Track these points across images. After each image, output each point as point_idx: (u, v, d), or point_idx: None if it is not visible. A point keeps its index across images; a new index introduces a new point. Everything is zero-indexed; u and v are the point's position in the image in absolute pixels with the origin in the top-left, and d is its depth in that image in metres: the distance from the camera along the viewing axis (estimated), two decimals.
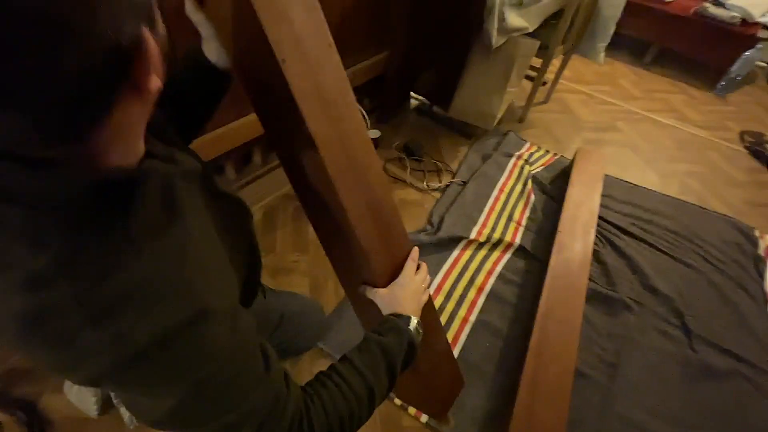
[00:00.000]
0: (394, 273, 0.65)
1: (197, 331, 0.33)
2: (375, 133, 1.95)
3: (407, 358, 0.56)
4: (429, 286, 0.71)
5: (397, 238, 0.65)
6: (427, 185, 1.81)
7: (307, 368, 1.19)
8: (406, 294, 0.63)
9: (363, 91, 1.89)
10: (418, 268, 0.68)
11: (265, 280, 1.41)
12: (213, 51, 0.56)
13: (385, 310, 0.62)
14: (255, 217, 1.60)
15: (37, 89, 0.24)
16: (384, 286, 0.64)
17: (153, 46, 0.30)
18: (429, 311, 0.74)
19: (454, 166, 1.94)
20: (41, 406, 1.10)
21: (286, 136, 0.61)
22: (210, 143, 1.18)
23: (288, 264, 1.44)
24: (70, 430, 1.07)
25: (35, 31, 0.22)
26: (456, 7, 1.62)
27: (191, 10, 0.52)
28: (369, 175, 0.58)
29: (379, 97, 2.02)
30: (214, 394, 0.36)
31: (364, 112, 1.99)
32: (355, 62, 1.66)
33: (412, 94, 2.23)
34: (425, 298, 0.68)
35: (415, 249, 0.69)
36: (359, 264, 0.65)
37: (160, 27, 0.33)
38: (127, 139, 0.34)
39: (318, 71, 0.50)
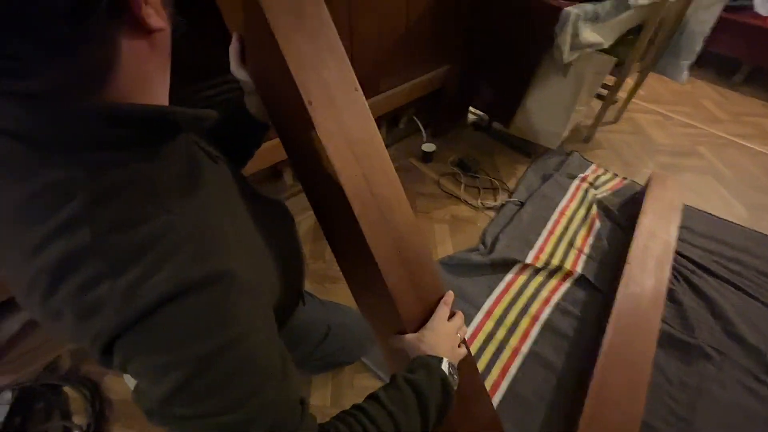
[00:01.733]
0: (424, 318, 0.60)
1: (213, 291, 0.32)
2: (430, 147, 1.93)
3: (443, 402, 0.50)
4: (465, 337, 0.64)
5: (428, 281, 0.60)
6: (482, 203, 1.75)
7: (347, 381, 1.18)
8: (437, 338, 0.57)
9: (420, 105, 1.88)
10: (452, 315, 0.62)
11: (311, 286, 1.42)
12: (254, 104, 0.64)
13: (414, 354, 0.57)
14: (304, 224, 1.63)
15: (32, 8, 0.25)
16: (413, 331, 0.59)
17: None
18: (468, 370, 0.66)
19: (510, 184, 1.86)
20: (103, 386, 1.18)
21: (313, 175, 0.61)
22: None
23: (335, 272, 1.44)
24: (126, 412, 1.13)
25: None
26: (523, 21, 1.57)
27: (236, 69, 0.60)
28: (396, 214, 0.56)
29: (436, 111, 2.00)
30: (222, 377, 0.33)
31: (420, 125, 1.98)
32: (414, 76, 1.66)
33: (470, 108, 2.18)
34: (462, 351, 0.60)
35: (450, 293, 0.62)
36: (387, 308, 0.61)
37: None
38: (147, 89, 0.35)
39: (344, 112, 0.51)
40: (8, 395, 1.11)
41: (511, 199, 1.76)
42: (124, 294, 0.30)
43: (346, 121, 0.51)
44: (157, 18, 0.32)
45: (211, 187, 0.39)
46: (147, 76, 0.34)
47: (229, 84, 1.14)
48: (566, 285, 1.43)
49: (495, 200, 1.77)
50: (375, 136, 0.54)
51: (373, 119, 0.53)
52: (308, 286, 1.40)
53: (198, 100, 1.13)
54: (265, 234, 0.46)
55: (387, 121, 1.88)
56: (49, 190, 0.31)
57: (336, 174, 0.50)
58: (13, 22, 0.25)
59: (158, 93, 0.36)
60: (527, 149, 2.02)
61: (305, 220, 1.64)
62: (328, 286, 1.41)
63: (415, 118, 1.96)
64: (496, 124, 2.11)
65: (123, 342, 0.32)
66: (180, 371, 0.32)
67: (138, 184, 0.32)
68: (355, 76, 0.53)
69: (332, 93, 0.50)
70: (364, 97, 0.53)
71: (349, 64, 0.52)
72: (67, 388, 1.17)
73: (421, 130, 1.98)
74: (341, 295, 1.37)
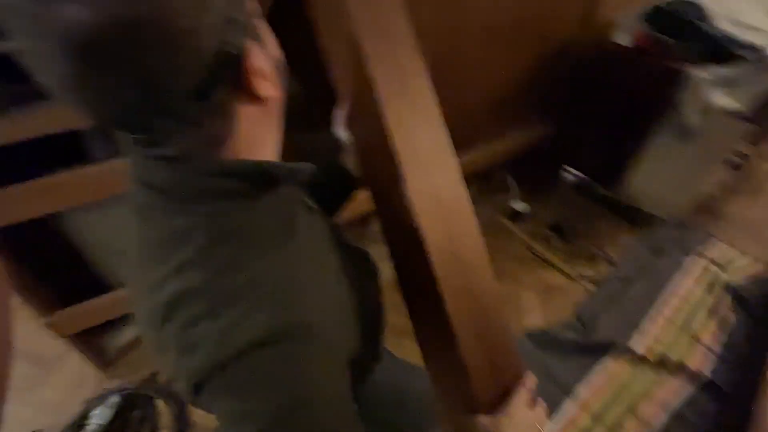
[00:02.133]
0: (499, 400, 0.53)
1: (294, 344, 0.34)
2: (522, 206, 1.84)
3: None
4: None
5: (508, 359, 0.55)
6: (579, 272, 1.59)
7: None
8: (515, 428, 0.50)
9: (514, 161, 1.82)
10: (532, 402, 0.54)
11: (390, 341, 1.38)
12: (351, 159, 0.70)
13: None
14: (386, 274, 1.63)
15: (162, 80, 0.30)
16: (485, 413, 0.52)
17: (260, 57, 0.35)
18: None
19: (613, 255, 1.66)
20: (189, 407, 1.26)
21: (397, 231, 0.61)
22: None
23: None
24: None
25: (156, 40, 0.28)
26: (635, 82, 1.47)
27: (339, 126, 0.67)
28: (480, 282, 0.53)
29: (530, 168, 1.92)
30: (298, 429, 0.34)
31: (512, 181, 1.91)
32: (509, 132, 1.63)
33: (569, 168, 2.06)
34: None
35: (532, 377, 0.55)
36: (458, 382, 0.56)
37: (271, 47, 0.39)
38: (258, 147, 0.39)
39: (434, 173, 0.53)
40: (115, 399, 1.24)
41: (615, 273, 1.57)
42: (218, 337, 0.33)
43: (436, 181, 0.52)
44: (271, 87, 0.37)
45: (304, 237, 0.42)
46: (259, 137, 0.39)
47: (331, 139, 1.24)
48: (689, 389, 1.18)
49: (594, 271, 1.59)
50: (464, 199, 0.53)
51: (463, 182, 0.53)
52: (386, 340, 1.38)
53: (301, 150, 1.24)
54: (350, 286, 0.47)
55: (477, 175, 1.86)
56: (173, 235, 0.36)
57: (420, 233, 0.50)
58: (152, 104, 0.31)
59: (268, 149, 0.41)
60: (636, 217, 1.81)
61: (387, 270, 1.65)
62: (407, 343, 1.37)
63: (508, 174, 1.90)
64: (598, 187, 1.95)
65: (211, 383, 0.34)
66: (254, 423, 0.33)
67: (241, 232, 0.36)
68: (449, 139, 0.54)
69: (425, 155, 0.52)
70: (456, 160, 0.53)
71: (445, 129, 0.54)
72: (159, 401, 1.28)
73: (512, 187, 1.91)
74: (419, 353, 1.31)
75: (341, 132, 0.68)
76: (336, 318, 0.41)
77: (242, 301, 0.34)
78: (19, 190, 0.96)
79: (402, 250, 0.64)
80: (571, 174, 2.09)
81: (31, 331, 1.21)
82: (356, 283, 0.49)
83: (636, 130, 1.55)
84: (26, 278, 1.15)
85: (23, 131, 0.89)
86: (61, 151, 1.00)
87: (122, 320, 1.41)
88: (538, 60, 1.47)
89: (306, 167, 0.43)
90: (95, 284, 1.29)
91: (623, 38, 1.51)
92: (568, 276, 1.58)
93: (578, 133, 1.73)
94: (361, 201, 1.34)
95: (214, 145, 0.36)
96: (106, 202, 1.07)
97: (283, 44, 0.43)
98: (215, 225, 0.36)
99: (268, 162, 0.39)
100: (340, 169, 0.71)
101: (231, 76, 0.33)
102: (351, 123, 0.68)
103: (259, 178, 0.38)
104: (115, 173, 1.01)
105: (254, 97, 0.36)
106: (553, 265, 1.63)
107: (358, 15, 0.55)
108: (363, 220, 1.61)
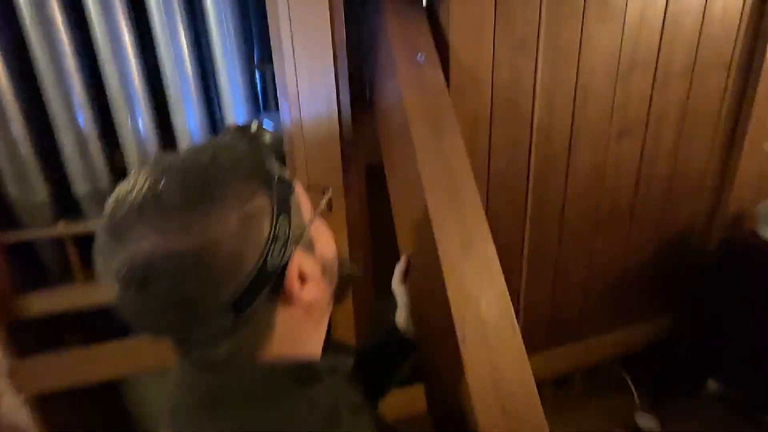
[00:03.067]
0: None
1: None
2: (648, 422, 1.43)
3: None
4: None
5: None
6: None
7: None
8: None
9: (637, 361, 1.52)
10: None
11: None
12: (404, 320, 0.67)
13: None
14: None
15: (200, 299, 0.31)
16: None
17: (306, 263, 0.36)
18: None
19: None
20: None
21: (448, 413, 0.54)
22: None
23: None
24: None
25: (198, 267, 0.30)
26: None
27: (396, 284, 0.67)
28: None
29: (656, 369, 1.56)
30: None
31: (632, 384, 1.54)
32: (626, 323, 1.41)
33: (711, 375, 1.62)
34: None
35: None
36: None
37: (324, 245, 0.39)
38: (300, 344, 0.39)
39: (498, 355, 0.48)
40: None
41: None
42: None
43: (500, 365, 0.46)
44: (315, 290, 0.37)
45: (347, 428, 0.39)
46: (301, 335, 0.39)
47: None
48: None
49: None
50: (531, 391, 0.45)
51: (530, 369, 0.46)
52: None
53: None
54: None
55: (583, 371, 1.57)
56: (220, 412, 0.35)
57: (474, 416, 0.43)
58: (191, 317, 0.32)
59: (310, 346, 0.41)
60: None
61: None
62: None
63: (624, 374, 1.57)
64: (751, 404, 1.45)
65: None
66: None
67: (281, 422, 0.34)
68: (514, 315, 0.49)
69: (488, 332, 0.48)
70: (522, 342, 0.47)
71: (510, 301, 0.50)
72: None
73: (632, 392, 1.54)
74: None
75: (398, 288, 0.68)
76: None
77: None
78: (86, 354, 1.02)
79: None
80: (714, 383, 1.63)
81: None
82: None
83: None
84: None
85: (87, 300, 0.98)
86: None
87: None
88: (657, 248, 1.37)
89: (343, 362, 0.43)
90: None
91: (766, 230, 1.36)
92: None
93: (718, 331, 1.42)
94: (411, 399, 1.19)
95: (252, 349, 0.36)
96: (163, 371, 1.09)
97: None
98: (257, 426, 0.34)
99: (308, 361, 0.39)
100: (392, 330, 0.69)
101: (271, 288, 0.34)
102: (409, 280, 0.68)
103: (298, 377, 0.38)
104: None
105: (295, 301, 0.36)
106: None
107: (430, 184, 0.60)
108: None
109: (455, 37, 0.90)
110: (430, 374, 0.63)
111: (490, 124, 1.03)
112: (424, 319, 0.62)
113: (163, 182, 0.30)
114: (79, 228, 0.96)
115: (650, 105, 1.18)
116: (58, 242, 0.99)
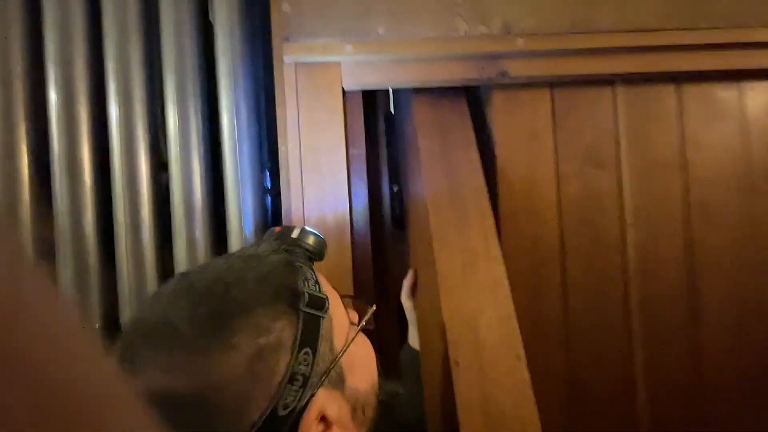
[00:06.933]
0: None
1: None
2: None
3: None
4: None
5: None
6: None
7: None
8: None
9: None
10: None
11: None
12: (414, 336, 0.64)
13: None
14: None
15: None
16: None
17: (333, 405, 0.31)
18: None
19: None
20: None
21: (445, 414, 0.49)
22: None
23: None
24: None
25: (199, 407, 0.28)
26: None
27: (404, 299, 0.65)
28: None
29: None
30: None
31: None
32: None
33: None
34: None
35: None
36: None
37: (360, 380, 0.34)
38: None
39: (492, 381, 0.43)
40: None
41: None
42: None
43: (494, 396, 0.41)
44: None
45: None
46: None
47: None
48: None
49: None
50: (533, 416, 0.40)
51: (534, 404, 0.40)
52: None
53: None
54: None
55: None
56: None
57: None
58: None
59: None
60: None
61: None
62: None
63: None
64: None
65: None
66: None
67: None
68: (521, 341, 0.43)
69: (485, 357, 0.43)
70: (526, 371, 0.42)
71: (516, 326, 0.44)
72: None
73: None
74: None
75: (407, 303, 0.66)
76: None
77: None
78: None
79: None
80: None
81: None
82: None
83: None
84: None
85: None
86: None
87: None
88: None
89: None
90: None
91: None
92: None
93: None
94: None
95: None
96: None
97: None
98: None
99: None
100: (406, 348, 0.67)
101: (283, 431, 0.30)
102: (417, 296, 0.66)
103: None
104: None
105: None
106: None
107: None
108: None
109: (502, 152, 0.69)
110: (430, 397, 0.57)
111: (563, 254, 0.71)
112: (425, 338, 0.60)
113: (177, 308, 0.29)
114: None
115: None
116: None
